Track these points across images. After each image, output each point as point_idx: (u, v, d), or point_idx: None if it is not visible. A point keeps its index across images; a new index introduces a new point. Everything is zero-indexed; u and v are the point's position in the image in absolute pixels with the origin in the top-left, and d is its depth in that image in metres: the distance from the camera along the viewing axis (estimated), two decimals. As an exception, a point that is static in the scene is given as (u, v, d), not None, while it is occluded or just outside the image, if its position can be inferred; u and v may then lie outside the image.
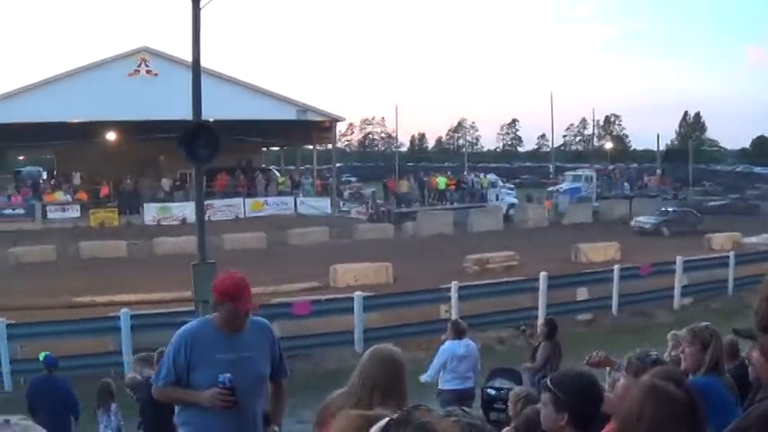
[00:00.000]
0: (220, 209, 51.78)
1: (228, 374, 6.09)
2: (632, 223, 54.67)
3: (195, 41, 20.04)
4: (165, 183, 56.61)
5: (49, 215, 51.34)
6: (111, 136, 55.40)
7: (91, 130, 51.51)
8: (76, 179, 57.12)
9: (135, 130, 51.32)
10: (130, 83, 49.89)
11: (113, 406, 12.93)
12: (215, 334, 6.31)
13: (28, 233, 46.83)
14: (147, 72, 51.42)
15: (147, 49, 52.51)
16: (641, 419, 3.70)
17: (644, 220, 54.45)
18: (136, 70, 51.40)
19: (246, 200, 55.21)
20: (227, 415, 6.17)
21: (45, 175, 66.51)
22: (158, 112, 45.15)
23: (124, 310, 21.36)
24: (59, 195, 54.01)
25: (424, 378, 13.89)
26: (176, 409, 6.59)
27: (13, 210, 51.06)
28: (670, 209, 57.77)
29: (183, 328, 6.53)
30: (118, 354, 20.81)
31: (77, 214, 51.76)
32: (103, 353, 21.96)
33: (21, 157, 76.27)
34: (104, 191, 55.14)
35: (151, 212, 52.32)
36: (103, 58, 52.45)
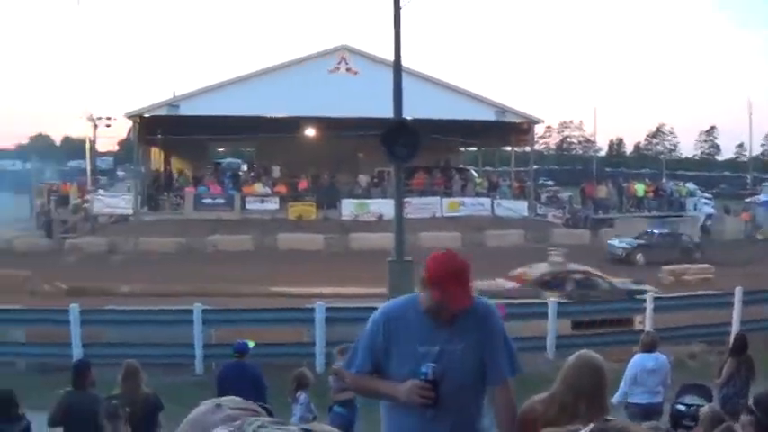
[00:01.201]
0: (417, 207, 51.72)
1: (433, 365, 5.14)
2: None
3: (396, 41, 20.21)
4: (363, 179, 57.14)
5: (248, 206, 52.36)
6: (310, 131, 56.59)
7: (291, 125, 52.49)
8: (276, 172, 58.29)
9: (334, 127, 52.16)
10: (331, 80, 50.46)
11: (302, 396, 13.05)
12: (419, 319, 5.31)
13: (226, 222, 48.16)
14: (347, 70, 51.90)
15: (346, 47, 53.08)
16: None
17: (617, 244, 45.10)
18: (336, 68, 51.97)
19: (443, 199, 55.04)
20: (428, 419, 5.21)
21: (245, 167, 68.22)
22: (357, 109, 45.78)
23: (319, 302, 21.60)
24: (258, 187, 55.02)
25: (615, 399, 13.60)
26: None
27: (213, 199, 52.33)
28: (656, 231, 47.69)
29: (384, 306, 5.67)
30: (311, 345, 21.12)
31: (276, 206, 52.62)
32: (296, 343, 22.35)
33: (220, 149, 78.24)
34: (303, 185, 55.93)
35: (348, 208, 52.83)
36: (305, 55, 53.43)
